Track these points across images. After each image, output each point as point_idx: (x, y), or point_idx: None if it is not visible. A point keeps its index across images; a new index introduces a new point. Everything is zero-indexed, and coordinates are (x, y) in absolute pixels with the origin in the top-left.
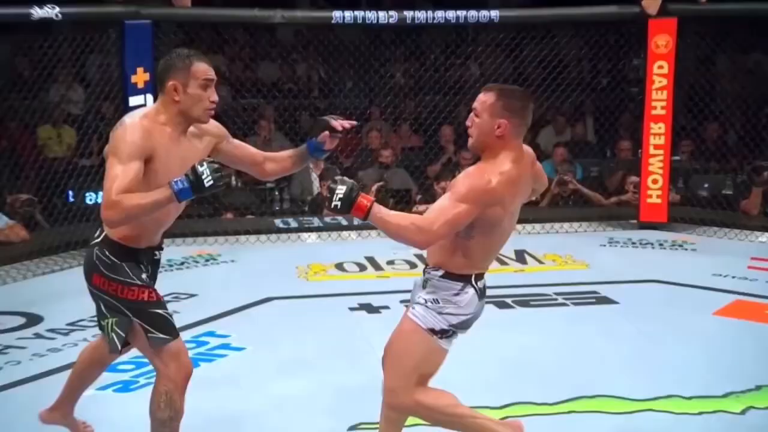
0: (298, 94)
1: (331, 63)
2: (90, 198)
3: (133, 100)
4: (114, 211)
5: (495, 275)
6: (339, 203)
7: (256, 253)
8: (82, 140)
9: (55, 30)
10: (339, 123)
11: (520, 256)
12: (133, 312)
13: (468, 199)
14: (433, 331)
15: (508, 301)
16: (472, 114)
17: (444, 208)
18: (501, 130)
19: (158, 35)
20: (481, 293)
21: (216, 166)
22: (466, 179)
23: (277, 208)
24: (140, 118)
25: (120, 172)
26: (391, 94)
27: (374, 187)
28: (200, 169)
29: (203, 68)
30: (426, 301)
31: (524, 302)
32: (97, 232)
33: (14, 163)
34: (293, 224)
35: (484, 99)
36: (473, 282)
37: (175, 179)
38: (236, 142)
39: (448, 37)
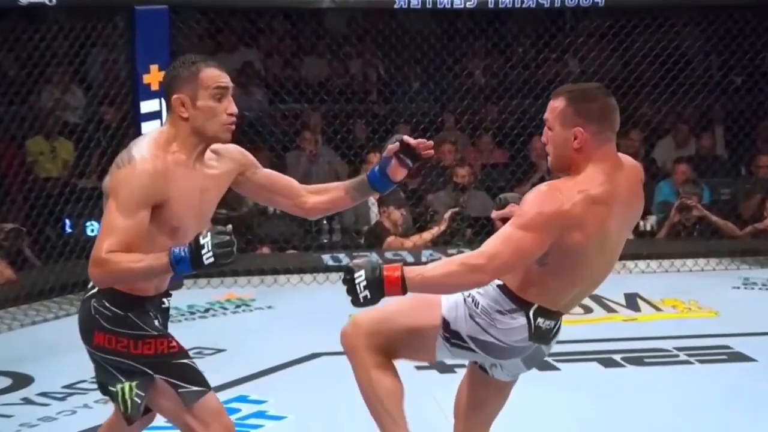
0: (351, 97)
1: (393, 58)
2: (91, 228)
3: (146, 106)
4: (100, 271)
5: (599, 325)
6: (367, 293)
7: (299, 297)
8: (81, 156)
9: (48, 18)
10: (420, 143)
11: (632, 302)
12: (155, 368)
13: (535, 225)
14: (445, 323)
15: (617, 357)
16: (545, 127)
17: (505, 237)
18: (578, 141)
19: (177, 24)
20: (538, 333)
21: (222, 239)
22: (534, 200)
23: (326, 240)
24: (151, 153)
25: (119, 224)
26: (468, 97)
27: (447, 215)
28: (202, 241)
29: (214, 74)
30: (468, 296)
31: (637, 359)
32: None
33: None
34: (345, 261)
35: (554, 106)
36: (531, 314)
37: (177, 247)
38: (267, 171)
39: (540, 26)
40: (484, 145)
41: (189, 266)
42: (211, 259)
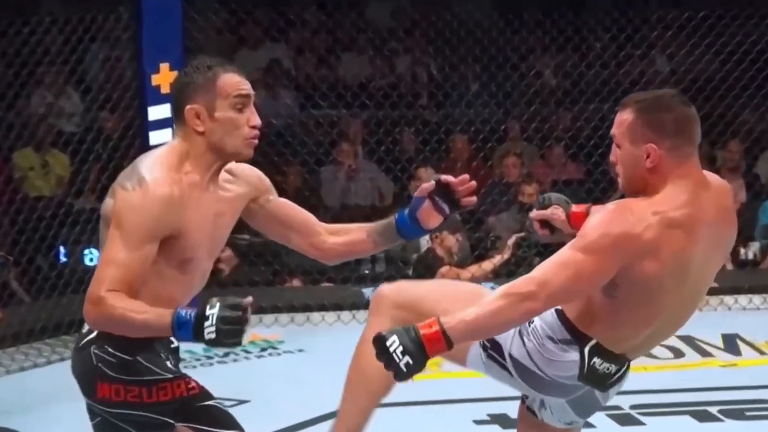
0: (397, 101)
1: (448, 55)
2: (90, 257)
3: (155, 112)
4: (96, 310)
5: (692, 372)
6: (408, 360)
7: (335, 339)
8: (78, 171)
9: (39, 9)
10: (462, 181)
11: (731, 344)
12: (175, 415)
13: (598, 248)
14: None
15: (713, 410)
16: (613, 145)
17: (561, 261)
18: (651, 159)
19: (191, 16)
20: (592, 375)
21: (233, 315)
22: (599, 220)
23: (367, 271)
24: (164, 174)
25: (123, 258)
26: (536, 101)
27: (511, 241)
28: (208, 312)
29: (234, 81)
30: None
31: (737, 413)
32: (87, 326)
33: None
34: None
35: (621, 120)
36: (587, 350)
37: (184, 309)
38: (282, 201)
39: (622, 17)
40: (555, 158)
41: (191, 334)
42: (213, 335)
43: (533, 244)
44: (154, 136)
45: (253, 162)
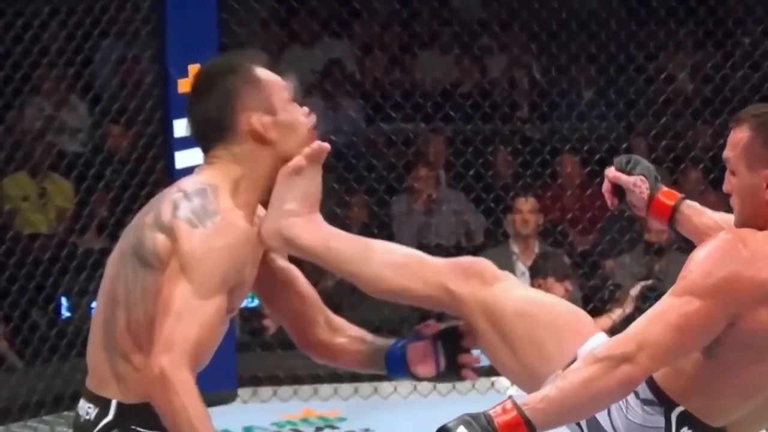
0: (490, 112)
1: (555, 54)
2: None
3: (182, 126)
4: (161, 392)
5: None
6: None
7: (410, 415)
8: (84, 202)
9: None
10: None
11: None
12: None
13: (704, 291)
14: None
15: None
16: (727, 172)
17: (659, 312)
18: None
19: (229, 4)
20: None
21: None
22: (705, 255)
23: None
24: (233, 208)
25: (200, 316)
26: (668, 112)
27: (635, 290)
28: None
29: (268, 71)
30: None
31: None
32: (92, 408)
33: None
34: (482, 361)
35: (735, 139)
36: (674, 418)
37: None
38: (285, 263)
39: None
40: (692, 184)
41: None
42: None
43: (662, 295)
44: (181, 157)
45: None
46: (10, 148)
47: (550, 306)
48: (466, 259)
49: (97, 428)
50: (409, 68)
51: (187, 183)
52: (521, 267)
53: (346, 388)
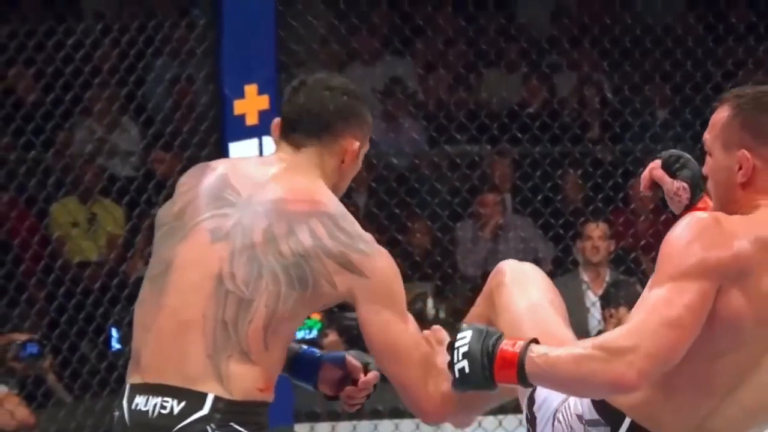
0: (560, 134)
1: (628, 72)
2: None
3: (237, 149)
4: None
5: None
6: (465, 365)
7: None
8: (136, 229)
9: (86, 14)
10: (362, 378)
11: None
12: None
13: (694, 271)
14: None
15: None
16: (707, 156)
17: (654, 305)
18: (744, 171)
19: (287, 21)
20: None
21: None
22: (681, 238)
23: None
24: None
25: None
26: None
27: None
28: None
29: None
30: None
31: None
32: (172, 402)
33: (5, 275)
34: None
35: (715, 120)
36: None
37: None
38: None
39: None
40: None
41: None
42: None
43: None
44: None
45: (370, 215)
46: (59, 172)
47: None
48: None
49: (187, 422)
50: (474, 87)
51: (325, 198)
52: (591, 296)
53: (407, 423)
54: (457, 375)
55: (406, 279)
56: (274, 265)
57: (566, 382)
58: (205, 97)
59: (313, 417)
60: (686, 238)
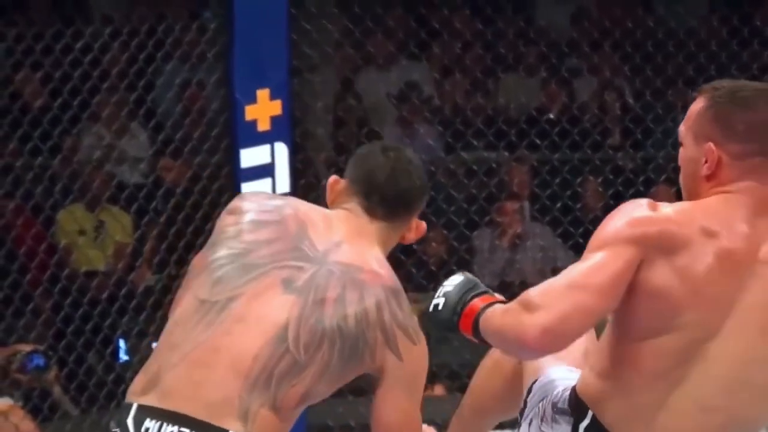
0: (580, 140)
1: (650, 77)
2: None
3: (249, 156)
4: None
5: None
6: (440, 303)
7: None
8: (145, 237)
9: (94, 17)
10: None
11: None
12: None
13: (611, 239)
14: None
15: None
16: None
17: (570, 267)
18: (709, 164)
19: (300, 24)
20: None
21: None
22: (613, 215)
23: None
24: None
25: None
26: None
27: None
28: None
29: None
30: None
31: None
32: None
33: (11, 284)
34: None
35: (690, 111)
36: (582, 428)
37: None
38: None
39: None
40: None
41: None
42: None
43: None
44: (248, 189)
45: None
46: (66, 178)
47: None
48: None
49: None
50: (492, 92)
51: (391, 272)
52: None
53: None
54: (431, 308)
55: (422, 289)
56: (335, 331)
57: (492, 335)
58: (216, 102)
59: (326, 430)
60: (615, 215)
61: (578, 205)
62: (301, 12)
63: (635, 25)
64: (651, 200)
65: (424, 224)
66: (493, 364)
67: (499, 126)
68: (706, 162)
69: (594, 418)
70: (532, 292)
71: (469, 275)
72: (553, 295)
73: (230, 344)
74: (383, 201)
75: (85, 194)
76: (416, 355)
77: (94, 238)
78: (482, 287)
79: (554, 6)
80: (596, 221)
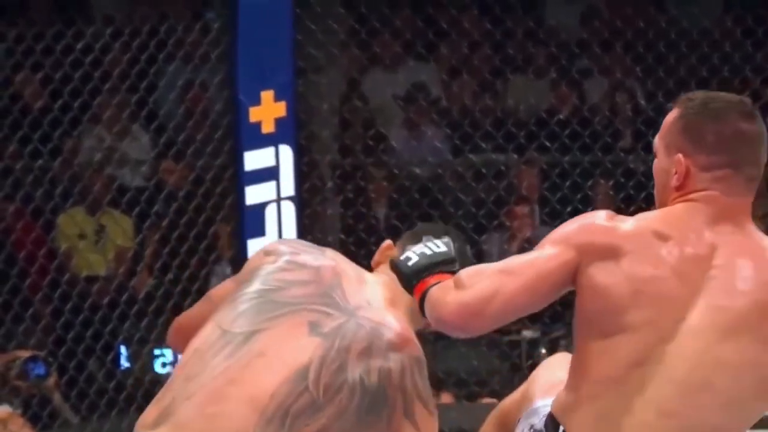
0: (590, 142)
1: (662, 78)
2: (162, 361)
3: (252, 159)
4: None
5: None
6: (411, 259)
7: None
8: (145, 242)
9: (95, 16)
10: None
11: None
12: None
13: (558, 239)
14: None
15: None
16: None
17: (513, 257)
18: (678, 175)
19: (305, 25)
20: None
21: None
22: (571, 220)
23: None
24: None
25: None
26: None
27: None
28: None
29: None
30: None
31: None
32: None
33: (10, 289)
34: None
35: (665, 121)
36: None
37: None
38: None
39: None
40: None
41: None
42: None
43: None
44: (252, 193)
45: (392, 227)
46: (67, 181)
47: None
48: None
49: None
50: (501, 94)
51: (418, 343)
52: None
53: None
54: (401, 256)
55: None
56: (357, 382)
57: (426, 308)
58: (219, 103)
59: None
60: (572, 220)
61: (589, 209)
62: (306, 12)
63: (647, 25)
64: (611, 212)
65: None
66: (496, 413)
67: (508, 128)
68: (675, 173)
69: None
70: (466, 271)
71: (452, 248)
72: (482, 276)
73: (248, 378)
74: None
75: (86, 197)
76: (431, 425)
77: (94, 242)
78: (454, 266)
79: (564, 6)
80: None
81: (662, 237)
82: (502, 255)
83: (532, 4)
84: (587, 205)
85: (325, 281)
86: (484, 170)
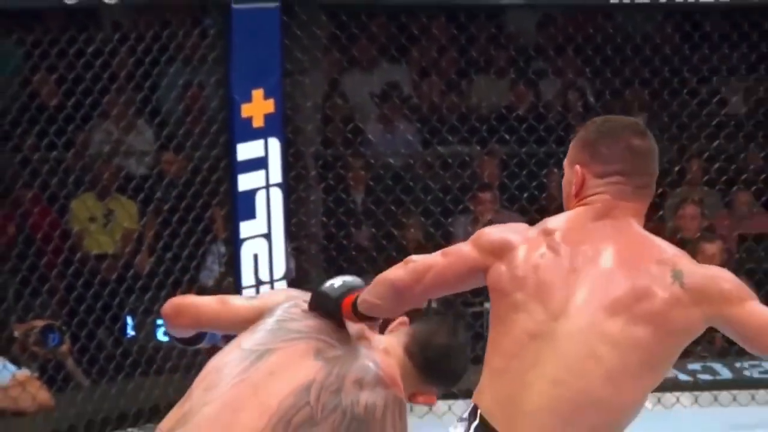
0: (545, 135)
1: (609, 78)
2: (164, 330)
3: (244, 150)
4: None
5: None
6: (338, 283)
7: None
8: (148, 224)
9: (104, 24)
10: None
11: None
12: None
13: (471, 239)
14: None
15: None
16: None
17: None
18: (576, 184)
19: (293, 31)
20: None
21: None
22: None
23: None
24: None
25: None
26: (721, 135)
27: None
28: None
29: None
30: None
31: None
32: None
33: (28, 267)
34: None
35: (570, 145)
36: (471, 420)
37: None
38: None
39: None
40: (743, 206)
41: None
42: None
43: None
44: (244, 180)
45: (367, 211)
46: (79, 170)
47: None
48: None
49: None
50: (466, 92)
51: (399, 381)
52: None
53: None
54: (326, 285)
55: None
56: (347, 407)
57: (369, 291)
58: (215, 101)
59: None
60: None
61: (543, 195)
62: (293, 20)
63: (596, 30)
64: (523, 224)
65: (434, 398)
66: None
67: (472, 123)
68: (574, 182)
69: (481, 416)
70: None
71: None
72: (408, 265)
73: (263, 386)
74: (426, 363)
75: (96, 185)
76: None
77: (104, 225)
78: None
79: (522, 13)
80: (560, 209)
81: (548, 232)
82: (467, 236)
83: (493, 13)
84: (542, 192)
85: (332, 322)
86: (450, 160)
